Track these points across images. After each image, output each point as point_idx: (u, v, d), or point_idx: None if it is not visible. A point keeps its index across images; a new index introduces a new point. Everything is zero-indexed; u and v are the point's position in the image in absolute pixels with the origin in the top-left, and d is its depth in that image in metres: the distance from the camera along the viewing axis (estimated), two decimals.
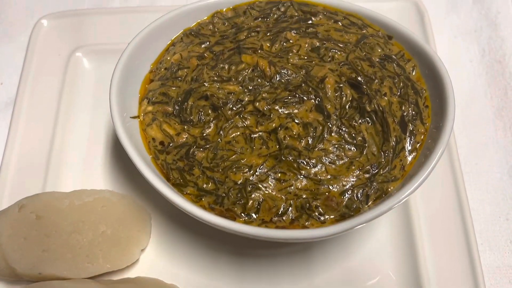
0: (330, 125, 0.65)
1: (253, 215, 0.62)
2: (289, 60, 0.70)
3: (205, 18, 0.79)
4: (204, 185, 0.64)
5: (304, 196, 0.62)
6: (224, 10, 0.79)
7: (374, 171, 0.64)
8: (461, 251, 0.72)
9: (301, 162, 0.63)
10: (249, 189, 0.62)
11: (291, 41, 0.72)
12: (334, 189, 0.63)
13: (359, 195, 0.62)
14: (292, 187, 0.63)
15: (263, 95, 0.67)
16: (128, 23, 0.91)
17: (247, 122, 0.66)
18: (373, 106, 0.66)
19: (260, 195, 0.62)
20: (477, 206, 0.80)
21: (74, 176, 0.80)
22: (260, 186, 0.63)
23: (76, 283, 0.65)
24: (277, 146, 0.65)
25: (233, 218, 0.62)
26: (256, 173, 0.63)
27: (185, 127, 0.68)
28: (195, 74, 0.71)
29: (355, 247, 0.73)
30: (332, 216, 0.62)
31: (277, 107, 0.66)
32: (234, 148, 0.65)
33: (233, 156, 0.64)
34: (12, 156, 0.80)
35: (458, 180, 0.76)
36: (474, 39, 0.96)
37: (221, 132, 0.66)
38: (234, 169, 0.64)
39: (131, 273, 0.72)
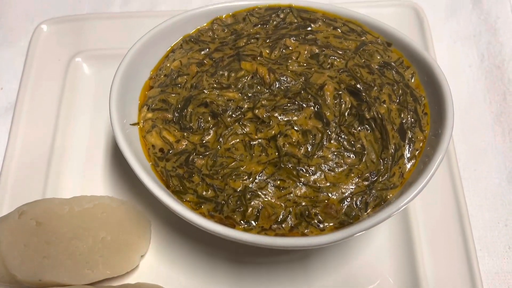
0: (329, 133, 0.65)
1: (253, 222, 0.62)
2: (288, 67, 0.70)
3: (205, 24, 0.79)
4: (204, 192, 0.64)
5: (303, 204, 0.62)
6: (223, 16, 0.79)
7: (373, 178, 0.64)
8: (460, 257, 0.72)
9: (300, 169, 0.64)
10: (248, 196, 0.62)
11: (290, 48, 0.73)
12: (333, 197, 0.63)
13: (358, 203, 0.63)
14: (292, 195, 0.63)
15: (263, 102, 0.67)
16: (127, 28, 0.91)
17: (247, 129, 0.66)
18: (372, 113, 0.66)
19: (260, 203, 0.62)
20: (476, 212, 0.80)
21: (74, 182, 0.80)
22: (260, 193, 0.63)
23: None
24: (277, 153, 0.65)
25: (233, 225, 0.62)
26: (256, 181, 0.63)
27: (185, 134, 0.68)
28: (195, 81, 0.71)
29: (354, 254, 0.73)
30: (331, 224, 0.62)
31: (276, 114, 0.66)
32: (234, 155, 0.65)
33: (233, 163, 0.65)
34: (12, 162, 0.80)
35: (457, 187, 0.76)
36: (473, 44, 0.96)
37: (221, 139, 0.66)
38: (233, 176, 0.64)
39: (131, 279, 0.72)
